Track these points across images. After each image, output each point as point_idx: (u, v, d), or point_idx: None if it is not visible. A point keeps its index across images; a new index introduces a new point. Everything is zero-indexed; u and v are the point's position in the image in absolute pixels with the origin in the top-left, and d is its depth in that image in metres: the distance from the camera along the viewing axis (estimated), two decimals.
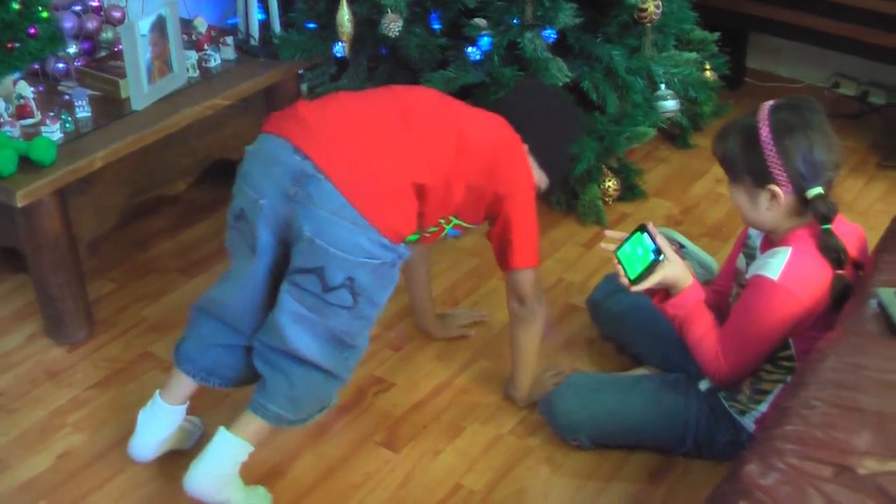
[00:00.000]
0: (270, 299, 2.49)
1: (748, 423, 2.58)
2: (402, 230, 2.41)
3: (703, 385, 2.68)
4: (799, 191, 2.38)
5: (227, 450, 2.52)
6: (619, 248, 2.61)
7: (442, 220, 2.62)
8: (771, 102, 2.43)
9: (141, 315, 3.36)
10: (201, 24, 3.60)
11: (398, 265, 2.45)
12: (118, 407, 2.99)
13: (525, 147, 2.66)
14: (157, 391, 2.72)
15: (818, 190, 2.37)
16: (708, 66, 4.05)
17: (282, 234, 2.42)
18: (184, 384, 2.69)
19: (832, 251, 2.36)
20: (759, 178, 2.39)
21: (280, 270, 2.46)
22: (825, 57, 4.58)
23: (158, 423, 2.72)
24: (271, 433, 2.59)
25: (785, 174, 2.36)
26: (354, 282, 2.37)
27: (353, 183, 2.33)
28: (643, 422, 2.72)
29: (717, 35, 4.07)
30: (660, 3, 3.51)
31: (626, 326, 3.03)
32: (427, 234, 2.64)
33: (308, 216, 2.33)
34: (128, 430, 2.88)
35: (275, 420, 2.51)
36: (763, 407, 2.54)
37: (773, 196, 2.39)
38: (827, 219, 2.37)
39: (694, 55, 3.86)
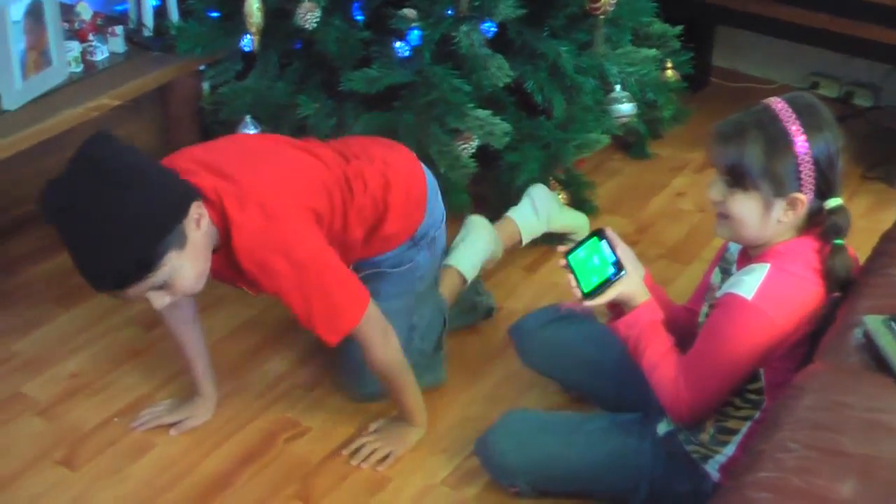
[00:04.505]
0: None
1: (712, 470, 2.59)
2: None
3: (662, 428, 2.69)
4: (821, 200, 2.41)
5: None
6: (570, 252, 2.61)
7: None
8: (780, 100, 2.43)
9: (11, 350, 3.31)
10: (85, 11, 3.58)
11: None
12: None
13: None
14: None
15: (839, 200, 2.41)
16: (669, 65, 4.08)
17: None
18: None
19: (841, 271, 2.39)
20: (782, 185, 2.39)
21: None
22: (802, 53, 4.64)
23: None
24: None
25: (813, 181, 2.38)
26: None
27: None
28: (589, 467, 2.72)
29: (679, 29, 4.10)
30: None
31: (571, 359, 3.02)
32: None
33: None
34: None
35: None
36: (729, 450, 2.55)
37: (792, 205, 2.40)
38: (842, 233, 2.41)
39: (653, 52, 3.89)
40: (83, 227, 2.36)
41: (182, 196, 2.47)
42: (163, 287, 2.47)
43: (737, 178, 2.41)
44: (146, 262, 2.39)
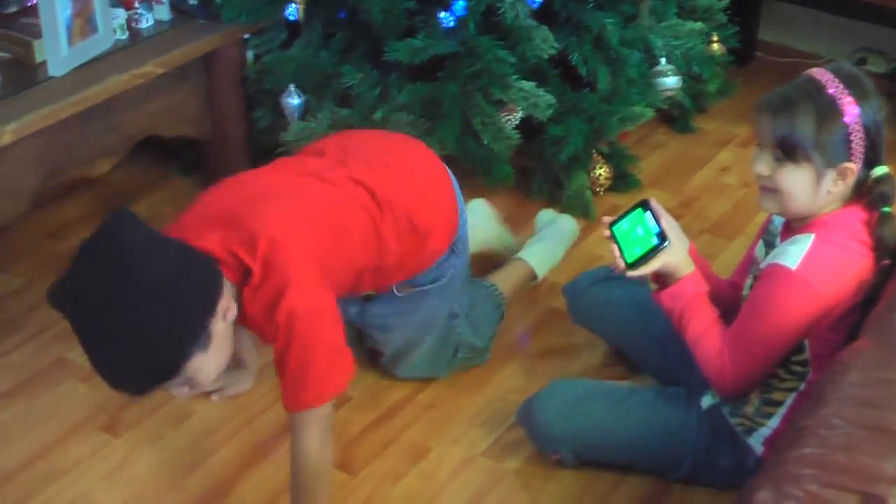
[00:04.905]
0: None
1: (755, 443, 2.60)
2: None
3: (706, 401, 2.69)
4: (867, 169, 2.42)
5: None
6: (615, 223, 2.62)
7: None
8: (824, 70, 2.44)
9: (55, 315, 3.30)
10: None
11: None
12: (28, 422, 2.97)
13: None
14: None
15: (885, 168, 2.43)
16: (715, 38, 4.06)
17: None
18: None
19: (889, 238, 2.39)
20: (834, 155, 2.39)
21: None
22: (849, 28, 4.60)
23: None
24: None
25: (863, 150, 2.39)
26: None
27: None
28: (635, 438, 2.73)
29: (725, 2, 4.08)
30: None
31: (615, 320, 3.04)
32: None
33: None
34: (40, 449, 2.87)
35: None
36: (773, 422, 2.55)
37: (843, 175, 2.40)
38: (889, 201, 2.41)
39: (699, 25, 3.87)
40: (100, 334, 2.21)
41: (208, 292, 2.30)
42: (185, 383, 2.34)
43: (788, 151, 2.40)
44: (168, 372, 2.26)
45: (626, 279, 2.92)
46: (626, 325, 3.00)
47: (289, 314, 2.36)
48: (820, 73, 2.43)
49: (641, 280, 2.68)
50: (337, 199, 2.59)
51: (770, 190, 2.46)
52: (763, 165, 2.45)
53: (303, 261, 2.42)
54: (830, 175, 2.40)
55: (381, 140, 2.97)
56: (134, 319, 2.17)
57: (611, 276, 3.01)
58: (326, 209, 2.56)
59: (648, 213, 2.58)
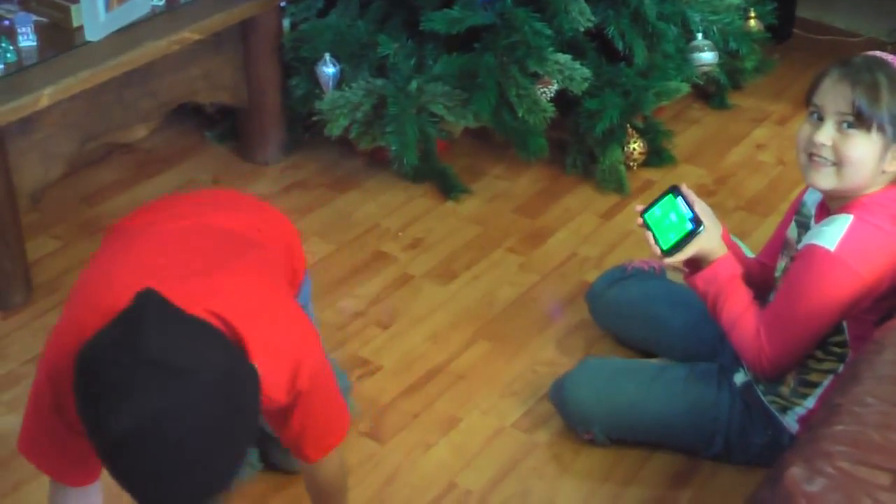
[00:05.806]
0: None
1: (790, 421, 2.58)
2: None
3: (739, 378, 2.68)
4: None
5: None
6: (646, 211, 2.60)
7: None
8: (879, 52, 2.43)
9: None
10: None
11: None
12: None
13: None
14: None
15: None
16: (753, 14, 4.04)
17: None
18: None
19: None
20: None
21: None
22: (888, 6, 4.57)
23: None
24: None
25: None
26: None
27: None
28: (667, 416, 2.72)
29: None
30: None
31: (635, 317, 3.03)
32: None
33: None
34: None
35: None
36: (809, 402, 2.54)
37: None
38: None
39: (737, 1, 3.86)
40: (166, 455, 1.74)
41: (255, 379, 1.89)
42: None
43: (864, 119, 2.34)
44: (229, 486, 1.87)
45: (642, 275, 2.92)
46: (648, 320, 2.99)
47: (312, 376, 2.08)
48: (880, 54, 2.42)
49: (673, 268, 2.66)
50: (252, 237, 2.27)
51: (825, 162, 2.39)
52: (825, 135, 2.38)
53: (296, 307, 2.21)
54: (892, 152, 2.36)
55: (223, 193, 2.78)
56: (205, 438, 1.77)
57: (626, 276, 3.03)
58: (260, 251, 2.23)
59: (680, 198, 2.56)
